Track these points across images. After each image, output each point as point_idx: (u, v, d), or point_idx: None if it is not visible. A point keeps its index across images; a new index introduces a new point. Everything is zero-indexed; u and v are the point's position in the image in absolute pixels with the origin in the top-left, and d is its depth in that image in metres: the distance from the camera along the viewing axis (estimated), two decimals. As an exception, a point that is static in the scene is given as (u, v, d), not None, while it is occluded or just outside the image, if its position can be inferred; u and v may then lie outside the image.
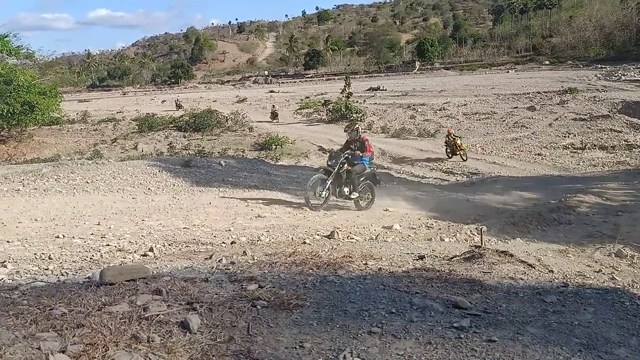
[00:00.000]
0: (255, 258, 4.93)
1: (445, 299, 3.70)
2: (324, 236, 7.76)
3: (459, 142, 21.49)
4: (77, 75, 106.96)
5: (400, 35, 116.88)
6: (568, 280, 4.55)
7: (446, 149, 21.86)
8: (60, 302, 3.37)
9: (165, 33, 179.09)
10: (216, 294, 3.72)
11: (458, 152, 21.38)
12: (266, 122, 33.36)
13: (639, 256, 6.53)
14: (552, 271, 5.02)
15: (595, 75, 48.73)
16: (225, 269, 4.51)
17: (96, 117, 37.67)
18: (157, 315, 3.15)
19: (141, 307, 3.27)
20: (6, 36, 26.68)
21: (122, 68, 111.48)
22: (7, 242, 7.03)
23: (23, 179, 12.73)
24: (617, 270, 5.91)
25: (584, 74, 52.10)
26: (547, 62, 72.90)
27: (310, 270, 4.32)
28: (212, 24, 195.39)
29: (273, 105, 37.10)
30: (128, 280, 3.92)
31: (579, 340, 3.12)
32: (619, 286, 4.56)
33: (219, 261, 4.82)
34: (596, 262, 6.37)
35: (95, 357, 2.42)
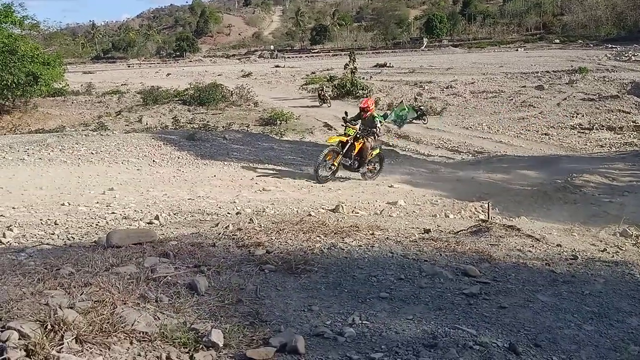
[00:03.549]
0: (262, 225, 4.91)
1: (454, 266, 3.67)
2: (329, 210, 7.74)
3: None
4: (82, 46, 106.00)
5: (408, 11, 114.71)
6: (577, 253, 4.52)
7: None
8: (67, 263, 3.36)
9: (171, 5, 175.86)
10: (223, 257, 3.71)
11: None
12: (272, 98, 32.77)
13: (644, 236, 6.47)
14: (560, 245, 4.98)
15: (606, 55, 47.92)
16: (233, 235, 4.50)
17: (100, 89, 37.43)
18: (165, 277, 3.13)
19: (149, 269, 3.25)
20: (10, 7, 26.28)
21: (127, 40, 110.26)
22: (13, 208, 7.04)
23: (28, 149, 12.70)
24: (622, 250, 5.85)
25: (594, 53, 51.29)
26: (557, 41, 71.54)
27: (318, 238, 4.30)
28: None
29: (322, 89, 31.36)
30: (135, 244, 3.91)
31: (590, 309, 3.11)
32: (628, 260, 4.52)
33: (226, 227, 4.80)
34: (601, 241, 6.31)
35: (103, 314, 2.40)
